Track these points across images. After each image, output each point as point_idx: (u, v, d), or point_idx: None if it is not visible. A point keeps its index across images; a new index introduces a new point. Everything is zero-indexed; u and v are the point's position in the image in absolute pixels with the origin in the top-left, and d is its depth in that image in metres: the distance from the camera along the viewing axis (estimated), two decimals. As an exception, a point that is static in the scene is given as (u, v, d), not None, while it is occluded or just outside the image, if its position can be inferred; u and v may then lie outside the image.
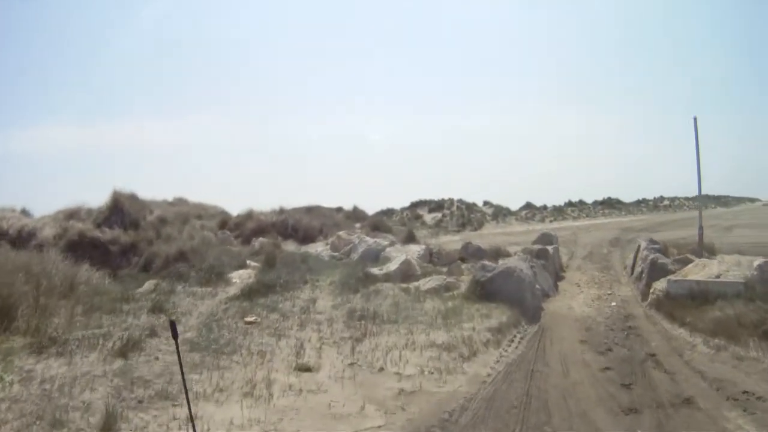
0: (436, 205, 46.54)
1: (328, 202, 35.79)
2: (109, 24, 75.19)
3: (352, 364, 8.19)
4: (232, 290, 13.30)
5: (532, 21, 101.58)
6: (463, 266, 15.89)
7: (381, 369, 8.01)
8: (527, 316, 11.62)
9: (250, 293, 12.56)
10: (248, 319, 10.47)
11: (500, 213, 44.92)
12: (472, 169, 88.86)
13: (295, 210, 29.87)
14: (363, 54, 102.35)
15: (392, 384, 7.40)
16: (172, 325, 3.56)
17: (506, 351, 9.42)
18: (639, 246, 16.46)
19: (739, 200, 74.65)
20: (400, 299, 12.23)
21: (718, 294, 10.77)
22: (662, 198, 62.06)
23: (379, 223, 32.23)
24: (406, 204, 48.34)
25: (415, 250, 17.84)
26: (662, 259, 13.67)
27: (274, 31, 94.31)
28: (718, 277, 11.68)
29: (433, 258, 17.85)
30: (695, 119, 14.81)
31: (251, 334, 9.56)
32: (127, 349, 7.90)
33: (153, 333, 8.91)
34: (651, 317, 11.75)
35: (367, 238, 20.91)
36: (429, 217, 44.39)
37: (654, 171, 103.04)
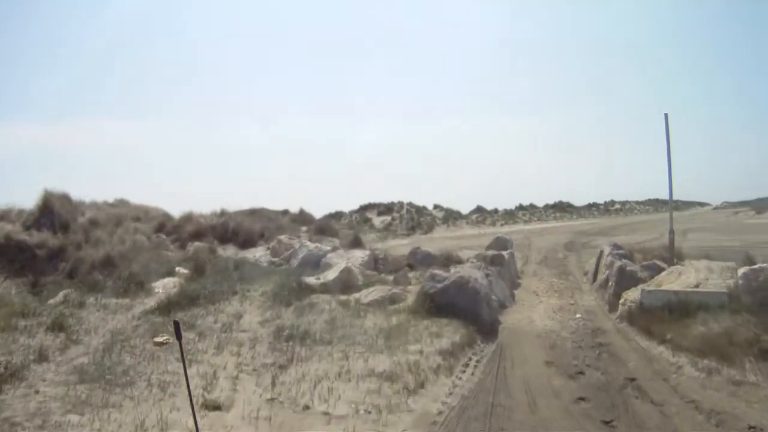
0: (386, 209, 45.06)
1: (278, 204, 34.76)
2: (62, 23, 71.01)
3: (271, 399, 6.73)
4: (153, 302, 11.59)
5: (489, 24, 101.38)
6: (411, 274, 14.27)
7: (306, 407, 6.53)
8: (483, 333, 10.07)
9: (168, 306, 10.91)
10: (158, 339, 8.82)
11: (451, 216, 43.62)
12: (422, 172, 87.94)
13: (238, 213, 28.31)
14: (311, 55, 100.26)
15: (318, 427, 6.04)
16: (176, 326, 3.23)
17: (460, 379, 7.82)
18: (602, 252, 15.11)
19: (690, 205, 75.55)
20: (338, 314, 10.61)
21: (699, 306, 9.43)
22: (613, 202, 62.15)
23: (325, 226, 30.76)
24: (356, 207, 46.84)
25: (358, 256, 16.10)
26: (630, 266, 12.30)
27: (227, 31, 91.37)
28: (697, 286, 10.34)
29: (378, 265, 16.16)
30: (666, 116, 13.53)
31: (158, 359, 7.98)
32: (3, 379, 6.60)
33: (42, 357, 7.61)
34: (623, 332, 10.27)
35: (308, 243, 19.13)
36: (378, 221, 42.94)
37: (604, 175, 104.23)
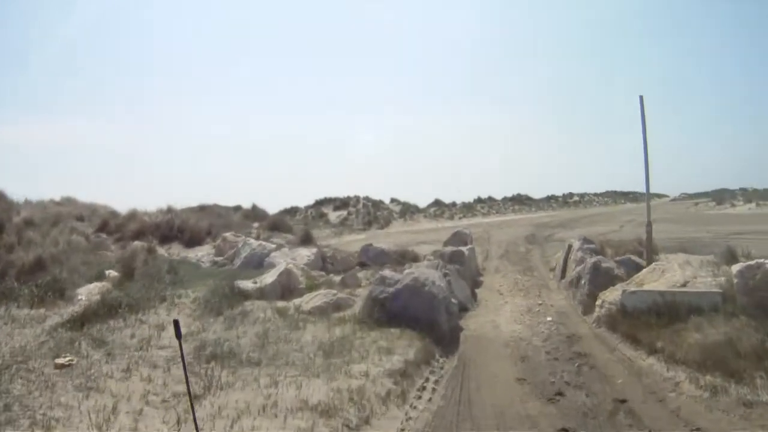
0: (342, 203, 43.46)
1: (234, 200, 33.87)
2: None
3: (175, 444, 5.19)
4: (72, 312, 9.79)
5: (446, 20, 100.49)
6: (362, 274, 12.68)
7: (217, 457, 5.03)
8: (443, 344, 8.59)
9: (82, 318, 9.14)
10: (59, 360, 7.15)
11: (408, 210, 42.23)
12: (380, 166, 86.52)
13: (186, 210, 26.51)
14: (268, 50, 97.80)
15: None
16: (176, 325, 3.14)
17: (415, 408, 6.32)
18: (570, 246, 13.81)
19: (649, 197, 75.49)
20: (272, 326, 8.97)
21: (690, 308, 8.11)
22: (571, 194, 61.73)
23: (278, 222, 29.24)
24: (311, 202, 45.19)
25: (304, 255, 14.46)
26: (606, 263, 10.97)
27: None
28: (684, 285, 9.02)
29: (326, 264, 14.55)
30: (641, 99, 12.10)
31: (53, 386, 6.34)
32: None
33: None
34: (604, 339, 8.87)
35: (251, 241, 17.36)
36: (334, 216, 41.37)
37: (563, 167, 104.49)
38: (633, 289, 9.12)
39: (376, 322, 8.73)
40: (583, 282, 10.92)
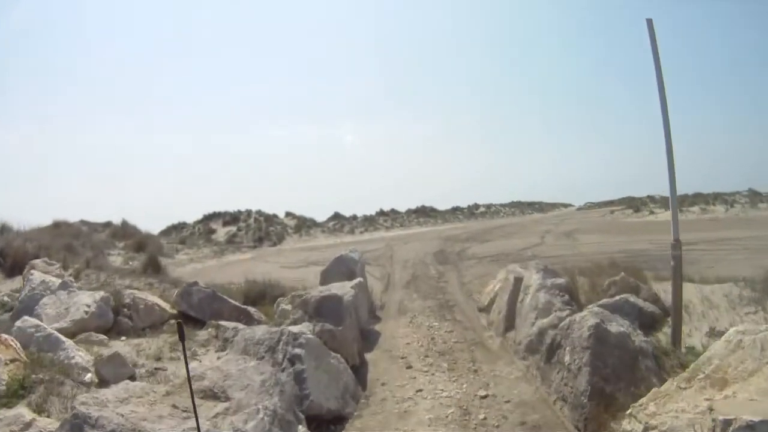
0: (232, 218, 36.87)
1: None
2: None
3: None
4: None
5: (341, 22, 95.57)
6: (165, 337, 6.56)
7: None
8: None
9: None
10: None
11: (304, 225, 36.11)
12: (274, 180, 79.90)
13: (37, 229, 19.72)
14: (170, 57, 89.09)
15: None
16: (179, 327, 2.97)
17: None
18: (518, 280, 8.19)
19: (553, 206, 73.49)
20: None
21: None
22: (477, 205, 57.45)
23: (147, 241, 22.69)
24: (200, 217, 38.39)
25: (83, 303, 8.16)
26: (616, 325, 5.20)
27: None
28: None
29: (121, 316, 8.28)
30: (650, 23, 6.61)
31: None
32: None
33: None
34: None
35: (35, 276, 10.74)
36: (223, 231, 34.79)
37: (466, 179, 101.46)
38: (749, 419, 3.45)
39: None
40: (572, 363, 5.18)
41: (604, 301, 6.91)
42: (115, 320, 8.12)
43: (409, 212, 48.05)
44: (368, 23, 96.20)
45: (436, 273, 15.43)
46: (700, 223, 27.42)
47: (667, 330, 6.66)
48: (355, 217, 41.51)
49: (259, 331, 5.29)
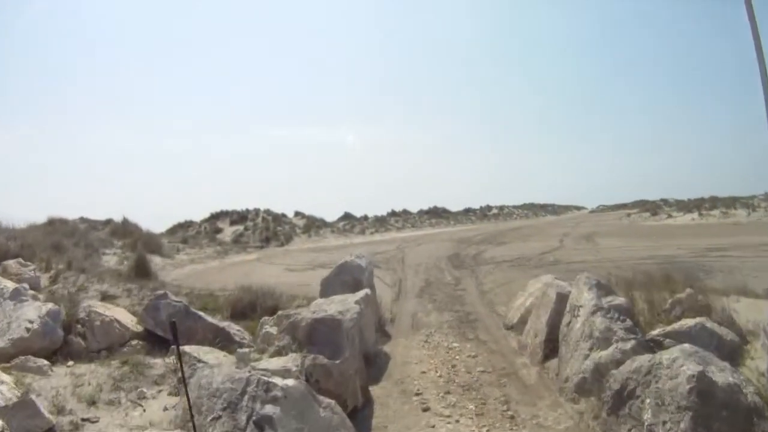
0: (239, 217, 35.41)
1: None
2: None
3: None
4: None
5: (364, 32, 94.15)
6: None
7: None
8: None
9: None
10: None
11: (313, 225, 34.59)
12: (284, 180, 78.47)
13: (28, 227, 18.39)
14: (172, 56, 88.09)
15: None
16: (173, 327, 2.89)
17: None
18: (561, 297, 6.55)
19: (566, 208, 71.54)
20: None
21: None
22: (489, 206, 55.68)
23: (147, 240, 21.36)
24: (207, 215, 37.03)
25: (24, 318, 6.60)
26: (722, 374, 3.69)
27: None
28: None
29: (73, 335, 6.76)
30: None
31: None
32: None
33: None
34: None
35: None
36: (230, 231, 33.38)
37: (478, 180, 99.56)
38: None
39: None
40: (657, 425, 3.56)
41: (675, 327, 5.29)
42: (66, 339, 6.61)
43: (421, 213, 46.48)
44: (384, 23, 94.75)
45: (452, 279, 13.85)
46: (723, 227, 25.60)
47: (751, 363, 5.09)
48: (366, 218, 39.99)
49: (219, 375, 3.72)
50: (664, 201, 51.41)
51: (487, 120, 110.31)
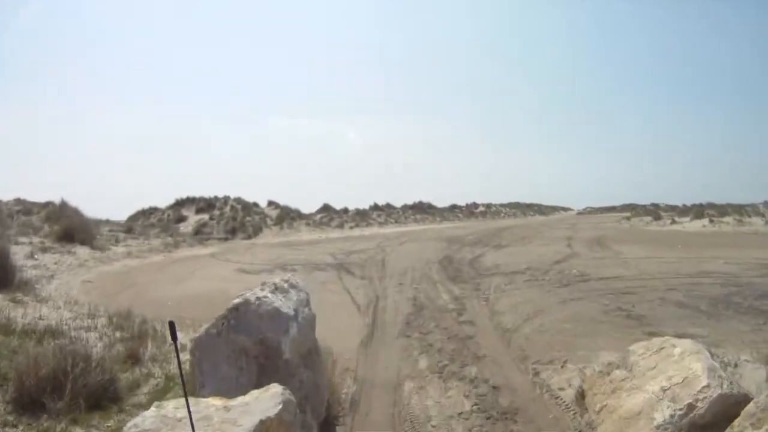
0: (207, 204, 30.61)
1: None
2: None
3: None
4: None
5: (357, 27, 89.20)
6: None
7: None
8: None
9: None
10: None
11: (287, 216, 29.82)
12: (271, 172, 73.55)
13: None
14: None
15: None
16: (171, 326, 2.46)
17: None
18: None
19: (553, 209, 67.25)
20: None
21: None
22: (476, 204, 50.96)
23: (77, 228, 16.78)
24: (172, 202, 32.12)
25: None
26: None
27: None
28: None
29: None
30: None
31: None
32: None
33: None
34: None
35: None
36: (195, 219, 28.63)
37: (463, 177, 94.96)
38: None
39: None
40: None
41: None
42: None
43: (405, 208, 41.84)
44: (370, 19, 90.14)
45: (451, 300, 9.24)
46: (746, 237, 21.27)
47: None
48: (346, 211, 35.26)
49: None
50: (655, 206, 47.46)
51: (476, 118, 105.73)
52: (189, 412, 2.29)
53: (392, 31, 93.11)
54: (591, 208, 65.29)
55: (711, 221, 26.30)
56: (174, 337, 2.55)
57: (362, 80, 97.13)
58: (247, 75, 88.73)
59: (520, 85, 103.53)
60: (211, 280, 12.30)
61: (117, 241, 17.94)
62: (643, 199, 60.24)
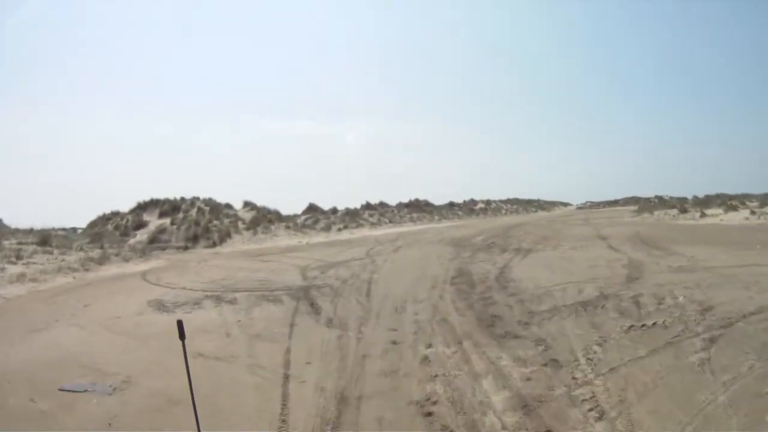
0: (171, 207, 25.14)
1: None
2: None
3: None
4: None
5: (351, 28, 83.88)
6: None
7: None
8: None
9: None
10: None
11: (264, 219, 24.42)
12: (275, 173, 68.00)
13: None
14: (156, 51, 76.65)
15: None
16: (179, 325, 2.51)
17: None
18: None
19: (553, 204, 62.14)
20: None
21: None
22: (474, 200, 45.53)
23: None
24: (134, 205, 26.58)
25: None
26: None
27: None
28: None
29: None
30: None
31: None
32: None
33: None
34: None
35: None
36: (157, 224, 23.19)
37: (460, 174, 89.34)
38: None
39: None
40: None
41: None
42: None
43: (401, 206, 36.49)
44: (365, 17, 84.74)
45: (508, 407, 3.91)
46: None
47: None
48: (334, 211, 29.89)
49: None
50: (660, 198, 42.37)
51: (470, 116, 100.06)
52: (196, 414, 2.64)
53: (388, 27, 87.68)
54: (591, 202, 60.15)
55: (753, 213, 21.09)
56: (182, 336, 2.54)
57: (358, 80, 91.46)
58: (246, 75, 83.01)
59: (516, 82, 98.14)
60: (83, 330, 7.01)
61: (18, 257, 12.56)
62: (639, 192, 55.54)
